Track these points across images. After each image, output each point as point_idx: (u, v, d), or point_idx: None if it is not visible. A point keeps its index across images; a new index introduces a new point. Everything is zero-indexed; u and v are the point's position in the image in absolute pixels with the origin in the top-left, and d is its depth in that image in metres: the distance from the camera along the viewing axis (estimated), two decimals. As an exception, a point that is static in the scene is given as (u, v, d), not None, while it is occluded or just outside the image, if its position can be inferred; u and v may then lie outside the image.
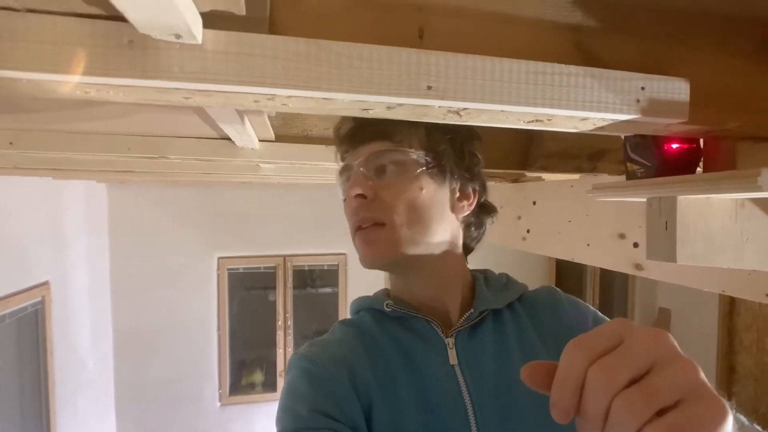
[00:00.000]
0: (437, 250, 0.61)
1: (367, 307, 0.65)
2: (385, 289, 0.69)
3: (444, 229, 0.62)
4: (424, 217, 0.59)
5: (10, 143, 0.97)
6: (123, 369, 3.70)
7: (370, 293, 0.69)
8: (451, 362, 0.58)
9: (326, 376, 0.55)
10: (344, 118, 0.64)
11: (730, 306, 3.58)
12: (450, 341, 0.59)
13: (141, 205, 3.69)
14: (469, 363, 0.58)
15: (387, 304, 0.62)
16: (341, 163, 0.65)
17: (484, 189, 0.68)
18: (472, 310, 0.61)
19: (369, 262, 0.60)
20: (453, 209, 0.63)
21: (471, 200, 0.65)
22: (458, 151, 0.63)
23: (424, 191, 0.59)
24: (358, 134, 0.62)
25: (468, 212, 0.65)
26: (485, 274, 0.70)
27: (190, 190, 3.74)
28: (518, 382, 0.57)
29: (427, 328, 0.60)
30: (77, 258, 3.11)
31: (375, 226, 0.59)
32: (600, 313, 0.66)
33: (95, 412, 3.41)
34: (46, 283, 2.69)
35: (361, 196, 0.59)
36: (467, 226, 0.67)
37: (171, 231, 3.76)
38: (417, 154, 0.59)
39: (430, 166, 0.60)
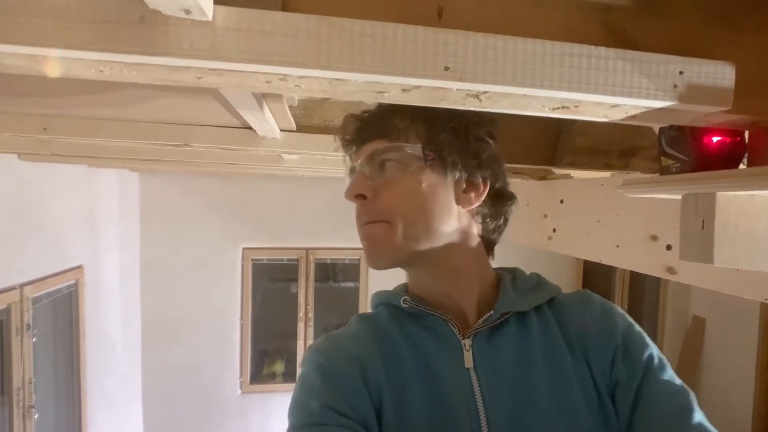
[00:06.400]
0: (444, 245, 0.59)
1: (384, 301, 0.64)
2: (405, 284, 0.67)
3: (450, 223, 0.59)
4: (426, 213, 0.57)
5: (44, 129, 1.00)
6: (150, 354, 3.82)
7: (390, 288, 0.67)
8: (467, 365, 0.55)
9: (339, 372, 0.54)
10: (348, 120, 0.63)
11: (771, 317, 3.39)
12: (467, 343, 0.57)
13: (171, 195, 3.80)
14: (486, 367, 0.55)
15: (404, 300, 0.60)
16: (349, 164, 0.65)
17: (497, 177, 0.63)
18: (492, 311, 0.58)
19: (374, 262, 0.59)
20: (459, 201, 0.60)
21: (480, 190, 0.61)
22: (462, 139, 0.59)
23: (424, 186, 0.57)
24: (359, 134, 0.62)
25: (477, 203, 0.61)
26: (513, 273, 0.66)
27: (218, 180, 3.82)
28: (537, 391, 0.55)
29: (443, 328, 0.58)
30: (110, 244, 3.23)
31: (377, 224, 0.58)
32: (637, 327, 0.59)
33: (123, 395, 3.54)
34: (79, 267, 2.81)
35: (361, 196, 0.59)
36: (483, 217, 0.63)
37: (199, 220, 3.85)
38: (414, 149, 0.58)
39: (429, 159, 0.58)
